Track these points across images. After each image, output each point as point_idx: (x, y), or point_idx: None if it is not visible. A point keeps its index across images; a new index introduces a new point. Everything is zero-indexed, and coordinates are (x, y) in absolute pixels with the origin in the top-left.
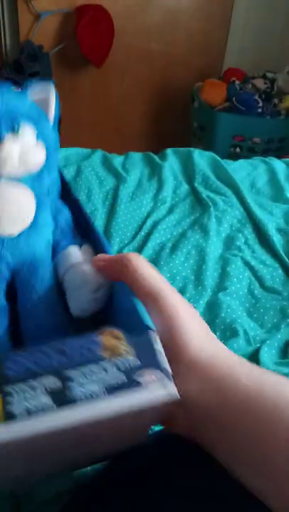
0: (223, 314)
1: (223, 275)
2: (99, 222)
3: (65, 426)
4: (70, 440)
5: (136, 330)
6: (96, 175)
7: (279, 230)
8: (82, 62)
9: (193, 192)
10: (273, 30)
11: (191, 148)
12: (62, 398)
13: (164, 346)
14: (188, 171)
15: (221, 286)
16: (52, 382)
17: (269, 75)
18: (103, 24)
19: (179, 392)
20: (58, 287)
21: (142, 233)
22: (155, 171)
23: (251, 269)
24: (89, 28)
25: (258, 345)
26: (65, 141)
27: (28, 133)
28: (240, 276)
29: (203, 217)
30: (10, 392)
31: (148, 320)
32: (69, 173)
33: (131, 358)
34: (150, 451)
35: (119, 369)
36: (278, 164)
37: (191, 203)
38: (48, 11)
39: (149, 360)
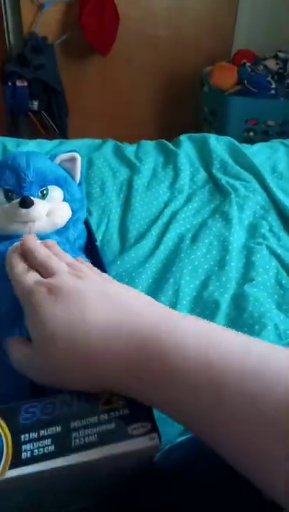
0: (250, 308)
1: (248, 266)
2: (114, 216)
3: (62, 467)
4: (68, 476)
5: None
6: (109, 166)
7: None
8: (87, 51)
9: (212, 179)
10: (283, 7)
11: (207, 134)
12: (64, 446)
13: None
14: (205, 157)
15: (246, 277)
16: (58, 432)
17: (281, 54)
18: (107, 11)
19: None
20: None
21: (160, 224)
22: (170, 159)
23: (278, 257)
24: (93, 16)
25: None
26: (73, 132)
27: (55, 195)
28: (267, 266)
29: (223, 204)
30: (25, 441)
31: None
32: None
33: (122, 408)
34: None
35: (111, 418)
36: None
37: (210, 190)
38: (51, 1)
39: (140, 411)
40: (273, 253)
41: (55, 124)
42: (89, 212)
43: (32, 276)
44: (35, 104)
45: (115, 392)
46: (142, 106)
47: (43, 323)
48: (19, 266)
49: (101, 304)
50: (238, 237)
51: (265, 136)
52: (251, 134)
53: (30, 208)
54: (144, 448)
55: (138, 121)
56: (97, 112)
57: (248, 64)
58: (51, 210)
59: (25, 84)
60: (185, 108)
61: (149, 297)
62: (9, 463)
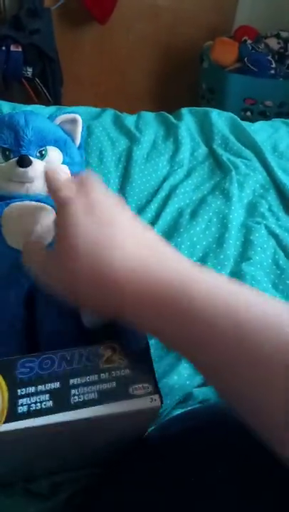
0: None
1: (247, 244)
2: (112, 187)
3: (59, 423)
4: (66, 435)
5: (135, 341)
6: (108, 135)
7: None
8: (85, 18)
9: (212, 154)
10: None
11: (208, 108)
12: (63, 403)
13: None
14: (206, 131)
15: (244, 256)
16: (56, 388)
17: (283, 34)
18: None
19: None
20: None
21: (159, 198)
22: (170, 132)
23: (276, 237)
24: None
25: None
26: (67, 102)
27: (54, 157)
28: (265, 246)
29: (224, 181)
30: (21, 395)
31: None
32: None
33: (124, 368)
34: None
35: (112, 377)
36: None
37: (211, 166)
38: None
39: (142, 372)
40: (271, 233)
41: (48, 92)
42: None
43: (71, 190)
44: (29, 71)
45: (125, 319)
46: (139, 78)
47: (72, 235)
48: (60, 179)
49: (132, 236)
50: (237, 215)
51: (262, 117)
52: (248, 113)
53: (28, 168)
54: (145, 409)
55: (134, 94)
56: (92, 82)
57: (249, 41)
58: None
59: (20, 49)
60: (182, 84)
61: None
62: (4, 416)
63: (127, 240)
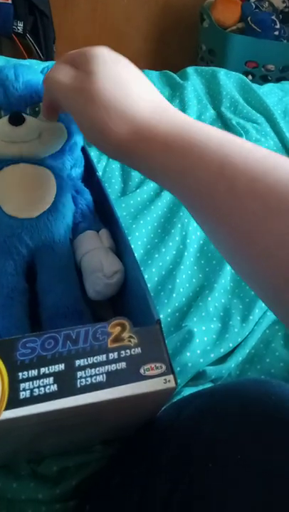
0: None
1: None
2: None
3: (65, 409)
4: (72, 420)
5: (144, 317)
6: None
7: None
8: None
9: (221, 118)
10: None
11: (216, 68)
12: (68, 386)
13: None
14: (214, 93)
15: None
16: (61, 370)
17: None
18: None
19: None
20: (77, 268)
21: None
22: (176, 93)
23: None
24: None
25: None
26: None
27: None
28: None
29: None
30: (22, 379)
31: (156, 311)
32: None
33: (134, 347)
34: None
35: (121, 357)
36: None
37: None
38: None
39: (154, 351)
40: None
41: (40, 49)
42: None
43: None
44: (20, 27)
45: (119, 161)
46: (135, 38)
47: (97, 82)
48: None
49: (144, 85)
50: None
51: (263, 81)
52: (250, 77)
53: (21, 126)
54: (159, 391)
55: (130, 55)
56: (85, 41)
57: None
58: (44, 129)
59: (10, 1)
60: (181, 45)
61: None
62: (5, 403)
63: (141, 89)
